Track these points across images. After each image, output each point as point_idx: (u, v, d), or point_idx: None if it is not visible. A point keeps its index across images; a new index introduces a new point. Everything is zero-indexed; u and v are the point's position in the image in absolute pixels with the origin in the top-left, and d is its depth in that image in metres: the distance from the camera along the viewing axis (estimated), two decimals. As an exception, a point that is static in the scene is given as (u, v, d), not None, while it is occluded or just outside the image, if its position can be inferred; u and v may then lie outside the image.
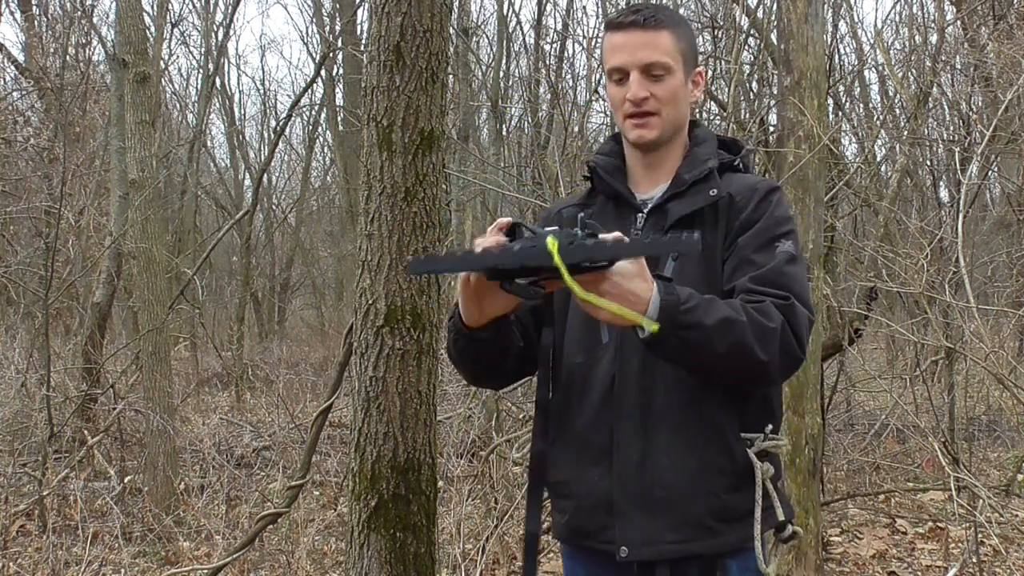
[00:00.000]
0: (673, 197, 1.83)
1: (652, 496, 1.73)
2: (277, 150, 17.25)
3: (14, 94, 10.84)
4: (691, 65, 1.86)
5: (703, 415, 1.74)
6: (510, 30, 13.72)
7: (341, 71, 14.71)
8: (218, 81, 17.61)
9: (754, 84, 9.21)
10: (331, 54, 13.93)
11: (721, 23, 8.14)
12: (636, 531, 1.74)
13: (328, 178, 20.86)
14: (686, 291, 1.61)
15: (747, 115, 8.30)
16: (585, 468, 1.79)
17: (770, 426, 1.78)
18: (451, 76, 9.34)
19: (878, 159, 9.50)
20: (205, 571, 4.32)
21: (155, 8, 15.14)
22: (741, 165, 1.91)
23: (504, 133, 12.04)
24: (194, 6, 17.81)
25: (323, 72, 14.75)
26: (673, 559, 1.74)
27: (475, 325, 1.74)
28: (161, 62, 14.59)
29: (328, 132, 18.15)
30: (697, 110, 7.50)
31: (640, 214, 1.86)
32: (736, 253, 1.76)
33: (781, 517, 1.79)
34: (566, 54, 13.10)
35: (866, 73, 11.17)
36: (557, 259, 1.44)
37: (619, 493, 1.75)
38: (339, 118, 16.15)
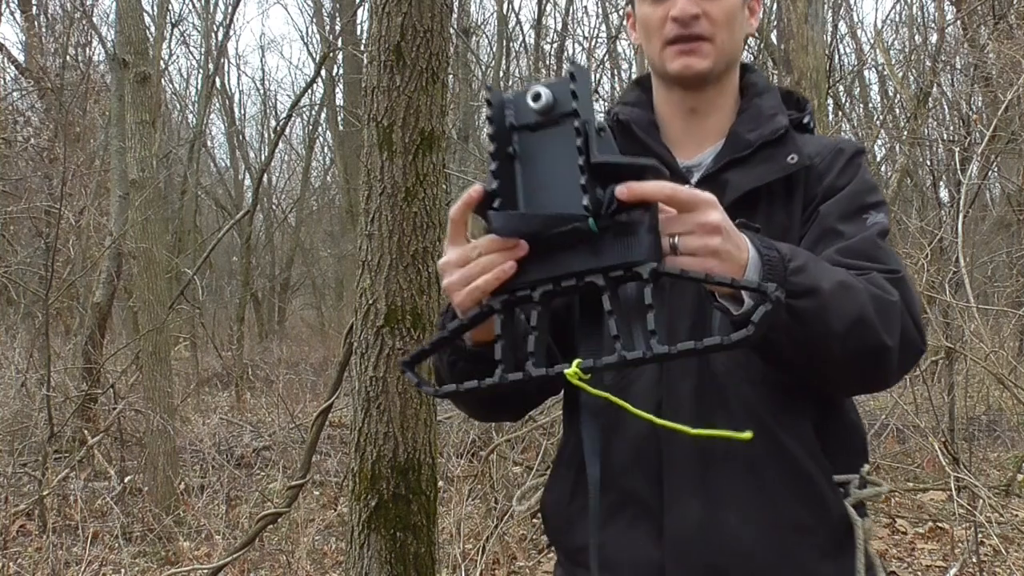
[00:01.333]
0: (733, 163, 1.36)
1: (718, 568, 1.25)
2: (277, 150, 17.27)
3: (14, 94, 10.84)
4: None
5: (784, 451, 1.27)
6: (510, 30, 13.75)
7: (341, 71, 14.72)
8: (218, 81, 17.62)
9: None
10: (331, 54, 13.93)
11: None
12: None
13: (328, 178, 20.88)
14: (784, 244, 1.17)
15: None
16: (622, 530, 1.31)
17: (866, 465, 1.36)
18: (451, 76, 9.34)
19: (878, 159, 9.51)
20: (205, 571, 4.32)
21: (155, 8, 15.16)
22: (811, 124, 1.47)
23: (504, 133, 12.03)
24: (194, 6, 17.85)
25: (323, 72, 14.75)
26: None
27: (488, 339, 1.19)
28: (161, 62, 14.60)
29: (328, 132, 18.17)
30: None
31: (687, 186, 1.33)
32: (817, 223, 1.32)
33: None
34: (566, 54, 13.11)
35: (866, 73, 11.19)
36: (583, 387, 1.05)
37: (674, 566, 1.27)
38: (339, 118, 16.15)
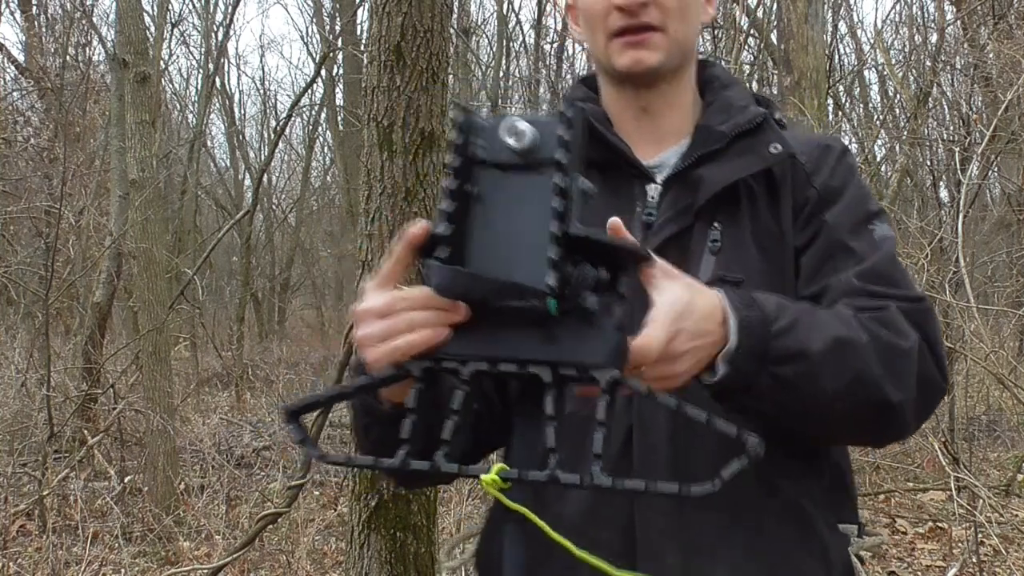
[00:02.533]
0: (705, 158, 1.20)
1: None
2: (277, 150, 17.26)
3: (14, 94, 10.84)
4: None
5: (780, 492, 1.12)
6: (510, 30, 13.75)
7: (341, 71, 14.72)
8: (218, 81, 17.61)
9: (754, 84, 9.22)
10: (331, 54, 13.93)
11: (721, 23, 8.14)
12: None
13: (328, 178, 20.88)
14: (771, 299, 1.03)
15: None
16: None
17: (865, 513, 1.24)
18: (451, 76, 9.36)
19: (878, 159, 9.52)
20: (205, 571, 4.32)
21: (155, 8, 15.15)
22: (784, 121, 1.30)
23: (504, 133, 12.03)
24: (194, 6, 17.83)
25: (323, 72, 14.75)
26: None
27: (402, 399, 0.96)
28: (161, 62, 14.60)
29: (328, 132, 18.17)
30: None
31: (652, 186, 1.23)
32: (823, 236, 1.17)
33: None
34: (566, 54, 13.10)
35: (866, 73, 11.20)
36: (500, 499, 0.86)
37: None
38: (339, 118, 16.15)
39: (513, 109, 12.44)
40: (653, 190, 1.22)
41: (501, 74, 13.44)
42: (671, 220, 1.19)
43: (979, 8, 7.80)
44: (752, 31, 7.88)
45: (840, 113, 9.80)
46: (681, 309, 0.93)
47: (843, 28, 11.15)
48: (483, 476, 0.84)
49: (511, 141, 0.84)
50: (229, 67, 25.43)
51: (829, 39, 8.09)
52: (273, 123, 19.39)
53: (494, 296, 0.83)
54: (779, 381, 1.00)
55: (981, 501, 4.49)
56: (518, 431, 0.94)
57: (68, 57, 10.70)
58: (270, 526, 4.47)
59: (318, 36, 18.02)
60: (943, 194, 8.81)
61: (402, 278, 0.94)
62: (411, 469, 0.85)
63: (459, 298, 0.85)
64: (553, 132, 0.83)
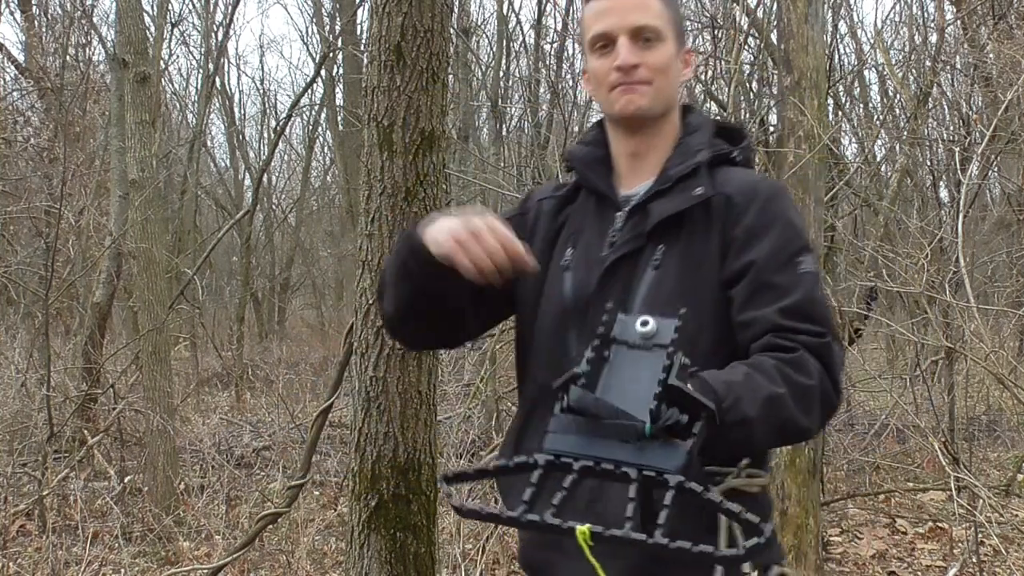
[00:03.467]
0: (657, 195, 1.60)
1: (601, 538, 1.34)
2: (277, 150, 17.26)
3: (14, 94, 10.83)
4: (681, 40, 1.67)
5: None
6: (510, 30, 13.73)
7: (341, 71, 14.70)
8: (218, 81, 17.59)
9: (754, 84, 9.23)
10: (331, 54, 13.92)
11: (721, 23, 8.14)
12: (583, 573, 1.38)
13: (328, 178, 20.89)
14: (718, 379, 1.36)
15: (747, 115, 8.31)
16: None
17: (745, 460, 1.51)
18: (451, 76, 9.33)
19: (878, 159, 9.52)
20: (205, 571, 4.32)
21: (155, 8, 15.14)
22: (740, 158, 1.66)
23: (504, 133, 12.05)
24: (194, 6, 17.81)
25: (323, 72, 14.75)
26: None
27: (449, 273, 1.51)
28: (161, 62, 14.58)
29: (328, 132, 18.17)
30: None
31: (619, 214, 1.64)
32: (752, 275, 1.51)
33: (746, 570, 1.49)
34: (566, 54, 13.07)
35: (866, 73, 11.19)
36: (584, 551, 1.14)
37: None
38: (339, 118, 16.14)
39: (513, 109, 12.44)
40: (620, 217, 1.63)
41: (501, 74, 13.42)
42: (627, 241, 1.59)
43: (979, 8, 7.79)
44: (752, 31, 7.86)
45: (840, 113, 9.79)
46: None
47: (843, 28, 11.13)
48: (578, 528, 1.11)
49: (640, 328, 1.23)
50: (229, 67, 25.42)
51: (829, 39, 8.07)
52: (273, 123, 19.41)
53: (608, 416, 1.18)
54: (727, 442, 1.34)
55: (981, 501, 4.48)
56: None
57: (68, 57, 10.70)
58: (270, 526, 4.48)
59: (318, 36, 18.01)
60: (943, 194, 8.80)
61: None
62: (526, 521, 1.13)
63: (585, 414, 1.19)
64: (669, 328, 1.23)
